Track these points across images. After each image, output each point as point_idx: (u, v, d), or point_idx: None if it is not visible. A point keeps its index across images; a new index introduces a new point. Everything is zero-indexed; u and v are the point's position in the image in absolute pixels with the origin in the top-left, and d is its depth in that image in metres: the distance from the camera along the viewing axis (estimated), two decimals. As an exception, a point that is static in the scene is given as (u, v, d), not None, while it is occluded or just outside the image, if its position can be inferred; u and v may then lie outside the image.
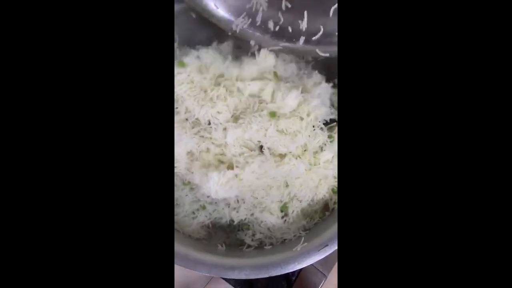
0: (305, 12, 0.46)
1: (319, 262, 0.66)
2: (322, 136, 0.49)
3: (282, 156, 0.48)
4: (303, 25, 0.47)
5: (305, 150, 0.49)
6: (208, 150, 0.47)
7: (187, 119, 0.48)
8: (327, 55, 0.49)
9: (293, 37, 0.49)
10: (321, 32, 0.48)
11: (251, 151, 0.48)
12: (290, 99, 0.48)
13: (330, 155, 0.49)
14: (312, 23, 0.47)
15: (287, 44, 0.49)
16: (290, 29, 0.48)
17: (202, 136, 0.47)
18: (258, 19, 0.48)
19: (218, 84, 0.51)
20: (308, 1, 0.46)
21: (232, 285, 0.57)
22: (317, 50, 0.49)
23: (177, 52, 0.57)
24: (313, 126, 0.50)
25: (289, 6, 0.46)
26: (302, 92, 0.49)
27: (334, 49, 0.49)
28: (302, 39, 0.48)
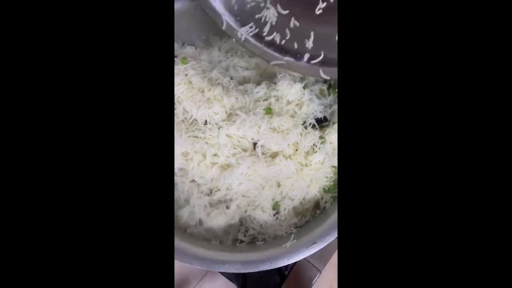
0: (312, 33, 0.47)
1: (314, 257, 0.68)
2: (313, 136, 0.51)
3: (274, 156, 0.50)
4: (309, 43, 0.48)
5: (296, 150, 0.51)
6: (202, 149, 0.49)
7: (183, 121, 0.50)
8: (328, 77, 0.49)
9: (297, 54, 0.49)
10: (321, 56, 0.48)
11: (244, 151, 0.49)
12: (295, 90, 0.53)
13: (321, 157, 0.51)
14: (317, 45, 0.48)
15: (291, 59, 0.49)
16: (295, 45, 0.48)
17: (196, 137, 0.49)
18: (266, 30, 0.48)
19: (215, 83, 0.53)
20: (315, 22, 0.46)
21: (227, 277, 0.59)
22: (320, 71, 0.48)
23: (177, 49, 0.60)
24: (304, 122, 0.52)
25: (297, 24, 0.47)
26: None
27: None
28: (306, 56, 0.48)
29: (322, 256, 0.69)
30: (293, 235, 0.50)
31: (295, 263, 0.62)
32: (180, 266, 0.61)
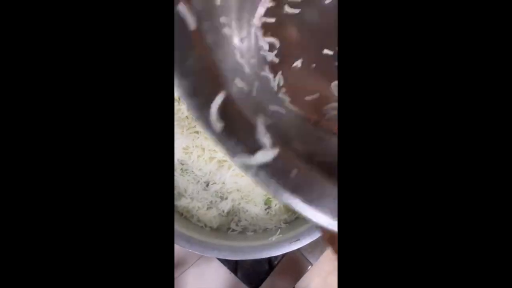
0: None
1: (306, 250, 0.72)
2: (308, 141, 0.54)
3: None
4: None
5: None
6: (202, 144, 0.53)
7: (187, 117, 0.54)
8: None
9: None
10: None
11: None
12: None
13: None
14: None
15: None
16: None
17: (197, 132, 0.53)
18: None
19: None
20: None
21: (221, 261, 0.64)
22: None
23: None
24: None
25: None
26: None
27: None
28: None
29: (314, 249, 0.73)
30: (279, 230, 0.53)
31: (284, 254, 0.66)
32: (178, 248, 0.66)
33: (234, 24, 0.30)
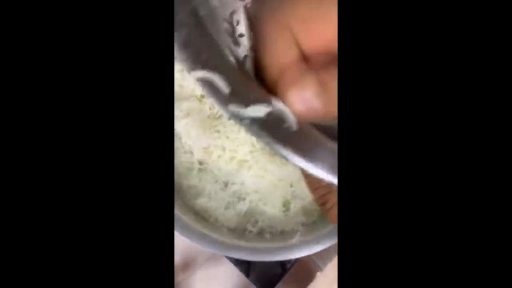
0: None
1: (317, 255, 0.71)
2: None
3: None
4: None
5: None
6: (223, 144, 0.52)
7: (208, 117, 0.53)
8: None
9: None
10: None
11: (262, 149, 0.53)
12: None
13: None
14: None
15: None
16: None
17: (219, 131, 0.52)
18: None
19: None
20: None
21: (233, 263, 0.63)
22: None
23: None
24: None
25: None
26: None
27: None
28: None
29: (325, 254, 0.73)
30: (299, 232, 0.53)
31: (297, 258, 0.65)
32: (183, 248, 0.65)
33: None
